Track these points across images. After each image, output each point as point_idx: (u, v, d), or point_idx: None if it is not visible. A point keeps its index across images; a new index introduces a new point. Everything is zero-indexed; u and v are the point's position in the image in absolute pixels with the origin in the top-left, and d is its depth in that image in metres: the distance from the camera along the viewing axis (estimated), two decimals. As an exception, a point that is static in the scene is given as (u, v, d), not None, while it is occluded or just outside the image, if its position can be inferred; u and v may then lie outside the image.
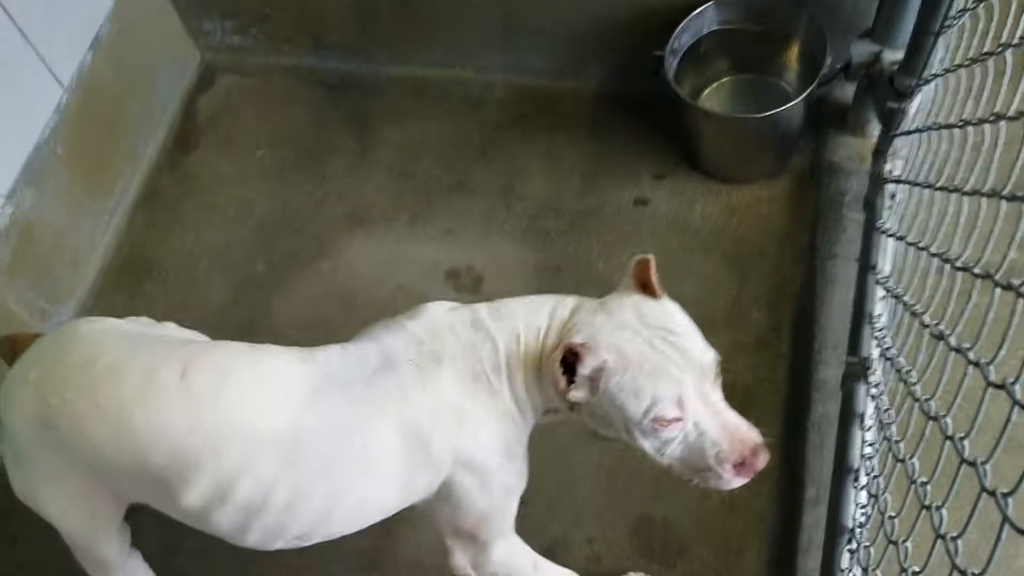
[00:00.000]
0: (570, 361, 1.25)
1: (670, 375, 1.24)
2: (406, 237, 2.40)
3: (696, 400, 1.25)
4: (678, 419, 1.24)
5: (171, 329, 1.47)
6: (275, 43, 2.69)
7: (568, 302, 1.38)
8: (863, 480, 1.66)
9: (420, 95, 2.64)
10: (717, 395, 1.29)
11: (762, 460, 1.27)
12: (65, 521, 1.44)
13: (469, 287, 2.29)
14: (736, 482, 1.29)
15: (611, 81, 2.53)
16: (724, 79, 2.40)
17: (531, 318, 1.36)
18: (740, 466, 1.26)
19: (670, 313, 1.31)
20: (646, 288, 1.33)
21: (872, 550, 1.51)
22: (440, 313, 1.41)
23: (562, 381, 1.25)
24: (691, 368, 1.25)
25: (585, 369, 1.25)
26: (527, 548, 1.59)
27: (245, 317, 2.27)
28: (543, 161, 2.49)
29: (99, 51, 2.34)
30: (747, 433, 1.28)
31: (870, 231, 1.98)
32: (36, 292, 2.20)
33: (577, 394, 1.27)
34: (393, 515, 1.42)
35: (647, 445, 1.30)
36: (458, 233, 2.39)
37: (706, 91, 2.40)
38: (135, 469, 1.24)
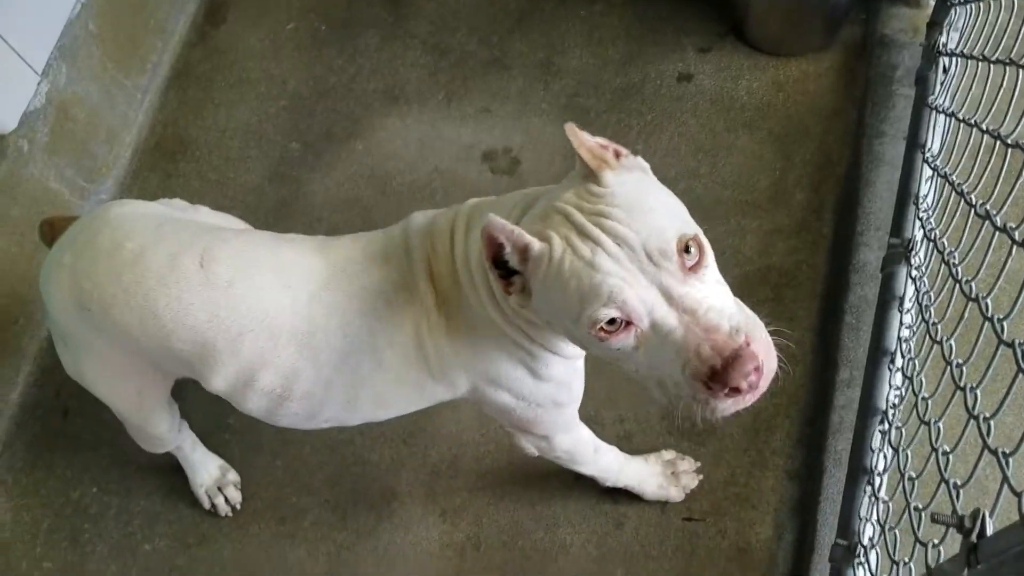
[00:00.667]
0: (498, 255, 1.05)
1: (597, 267, 0.98)
2: (441, 116, 2.35)
3: (649, 296, 0.98)
4: (624, 323, 0.99)
5: (204, 213, 1.47)
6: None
7: (526, 195, 1.18)
8: (899, 362, 1.64)
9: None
10: (690, 287, 0.99)
11: (742, 368, 0.95)
12: (114, 398, 1.49)
13: (506, 169, 2.25)
14: (721, 406, 1.00)
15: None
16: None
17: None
18: (716, 381, 0.96)
19: (611, 192, 1.03)
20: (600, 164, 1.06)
21: (904, 431, 1.50)
22: (449, 214, 1.27)
23: (496, 280, 1.08)
24: (635, 255, 0.98)
25: (509, 256, 1.04)
26: (588, 435, 1.60)
27: (280, 196, 2.27)
28: (582, 33, 2.40)
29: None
30: (725, 336, 0.97)
31: (920, 107, 1.90)
32: (75, 170, 2.21)
33: (515, 297, 1.09)
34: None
35: (611, 359, 1.07)
36: (494, 112, 2.34)
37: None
38: (164, 352, 1.26)
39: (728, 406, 1.00)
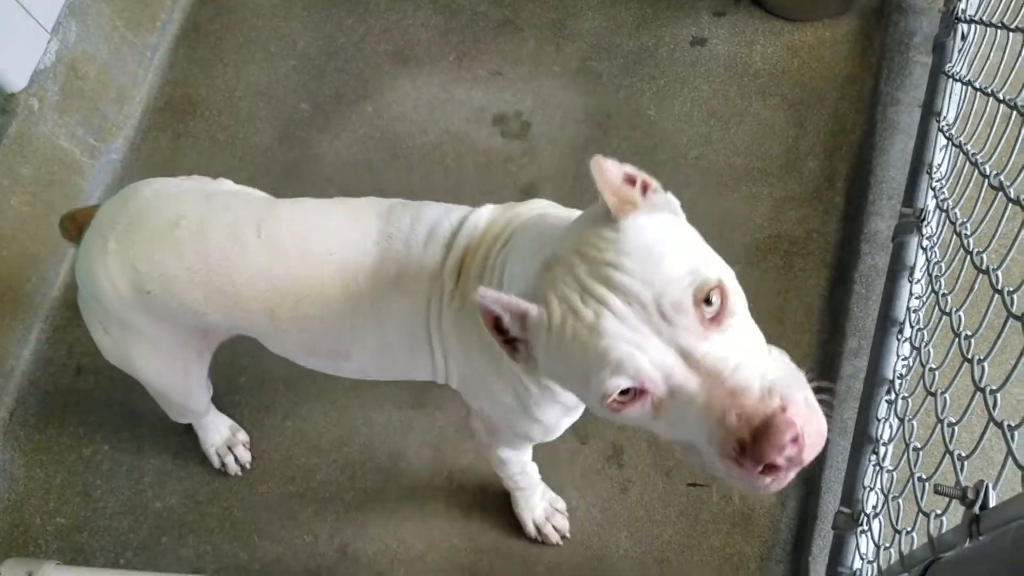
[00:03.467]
0: (494, 321, 0.95)
1: (602, 332, 0.86)
2: (452, 78, 2.33)
3: (665, 359, 0.85)
4: (638, 391, 0.86)
5: (228, 185, 1.45)
6: None
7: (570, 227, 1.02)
8: (907, 332, 1.64)
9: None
10: (712, 343, 0.85)
11: (777, 440, 0.80)
12: (159, 379, 1.50)
13: (517, 133, 2.24)
14: (758, 484, 0.84)
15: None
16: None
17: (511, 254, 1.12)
18: (747, 457, 0.81)
19: (624, 238, 0.90)
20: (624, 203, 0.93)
21: (910, 402, 1.51)
22: (504, 219, 1.20)
23: (498, 342, 0.96)
24: (646, 313, 0.85)
25: (509, 325, 0.94)
26: (527, 458, 1.59)
27: (289, 158, 2.27)
28: (598, 3, 2.37)
29: None
30: (756, 400, 0.82)
31: (937, 75, 1.88)
32: (85, 129, 2.21)
33: (520, 365, 0.98)
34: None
35: (633, 425, 0.94)
36: (505, 74, 2.32)
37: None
38: (228, 322, 1.28)
39: (766, 484, 0.84)
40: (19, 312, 2.06)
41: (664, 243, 0.90)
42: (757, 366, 0.85)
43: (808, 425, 0.82)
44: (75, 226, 1.37)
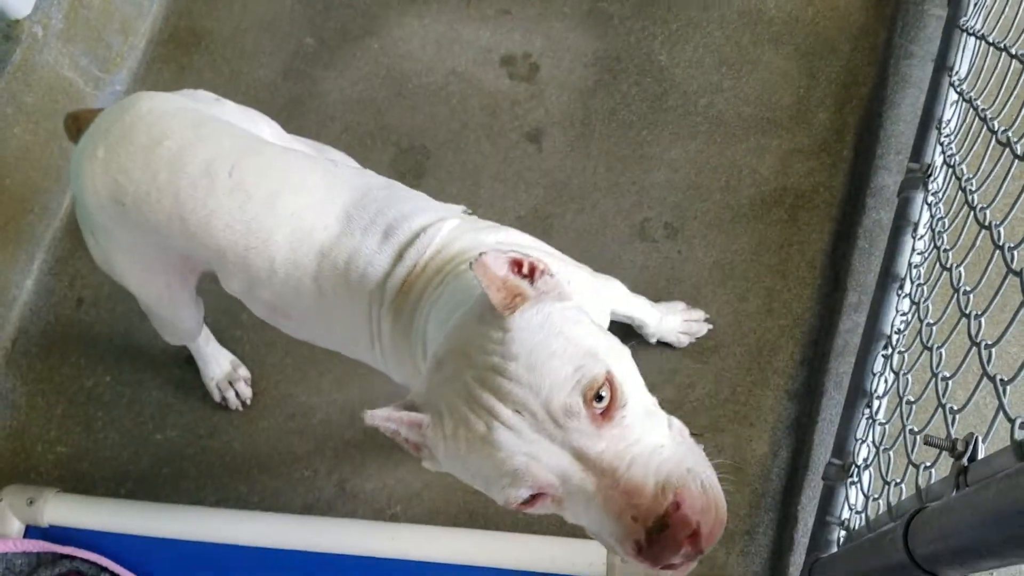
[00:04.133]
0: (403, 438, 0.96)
1: (496, 445, 0.86)
2: (460, 17, 2.30)
3: (560, 463, 0.85)
4: (536, 494, 0.87)
5: (229, 108, 1.44)
6: None
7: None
8: (907, 288, 1.64)
9: None
10: (607, 440, 0.86)
11: (672, 540, 0.81)
12: (143, 291, 1.51)
13: (525, 75, 2.21)
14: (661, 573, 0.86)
15: None
16: None
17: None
18: (645, 555, 0.83)
19: (511, 338, 0.89)
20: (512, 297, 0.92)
21: (906, 356, 1.51)
22: (456, 235, 1.19)
23: (404, 444, 0.97)
24: (537, 422, 0.85)
25: (407, 434, 0.95)
26: None
27: (293, 94, 2.25)
28: (609, -61, 2.33)
29: None
30: (650, 499, 0.82)
31: (951, 29, 1.85)
32: (89, 59, 2.19)
33: (427, 463, 0.97)
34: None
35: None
36: (514, 14, 2.29)
37: None
38: (189, 250, 1.28)
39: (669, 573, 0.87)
40: (22, 242, 2.07)
41: (549, 342, 0.89)
42: (653, 457, 0.85)
43: (705, 515, 0.83)
44: (76, 127, 1.38)
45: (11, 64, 1.96)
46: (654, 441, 0.88)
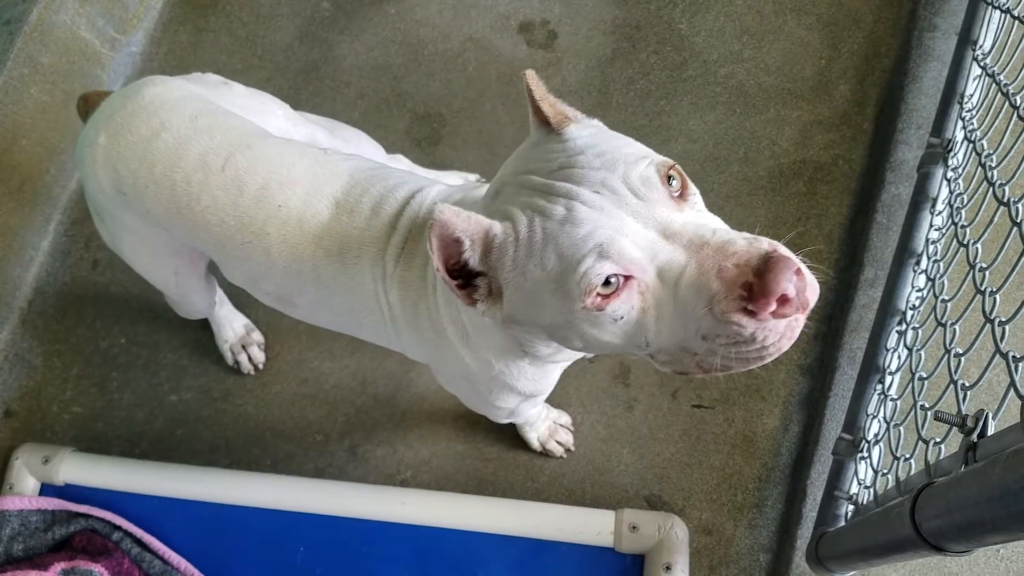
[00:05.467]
0: (450, 257, 0.90)
1: (577, 221, 0.82)
2: (478, -17, 2.27)
3: (646, 238, 0.82)
4: (624, 276, 0.82)
5: (238, 91, 1.42)
6: None
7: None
8: (924, 264, 1.63)
9: None
10: (684, 215, 0.85)
11: (782, 270, 0.76)
12: (151, 274, 1.52)
13: (542, 43, 2.19)
14: (773, 336, 0.79)
15: None
16: None
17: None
18: (756, 299, 0.76)
19: (571, 144, 0.89)
20: (547, 122, 0.93)
21: (920, 332, 1.50)
22: (446, 194, 1.17)
23: (451, 287, 0.92)
24: (618, 197, 0.83)
25: (468, 254, 0.89)
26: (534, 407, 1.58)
27: (309, 58, 2.24)
28: (630, -96, 2.29)
29: None
30: (746, 247, 0.79)
31: (976, 2, 1.81)
32: (106, 20, 2.19)
33: (482, 305, 0.93)
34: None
35: (611, 345, 0.89)
36: (533, -18, 2.26)
37: None
38: (192, 241, 1.28)
39: (780, 331, 0.79)
40: (38, 202, 2.08)
41: (610, 137, 0.90)
42: (732, 230, 0.83)
43: (800, 268, 0.79)
44: (86, 108, 1.37)
45: (27, 24, 1.96)
46: (726, 226, 0.86)
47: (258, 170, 1.19)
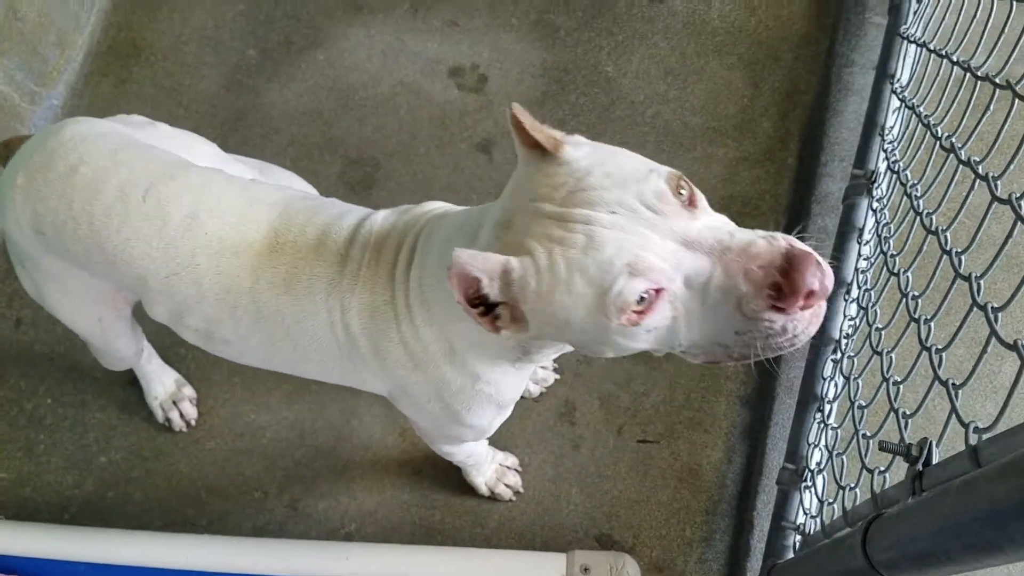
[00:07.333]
0: (469, 289, 0.90)
1: (600, 245, 0.84)
2: (407, 28, 2.28)
3: (669, 250, 0.84)
4: (655, 290, 0.84)
5: (164, 131, 1.38)
6: None
7: (482, 211, 1.04)
8: (854, 293, 1.67)
9: None
10: (700, 221, 0.87)
11: (806, 266, 0.81)
12: (75, 322, 1.46)
13: (473, 87, 2.20)
14: (802, 325, 0.84)
15: None
16: None
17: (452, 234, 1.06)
18: (785, 297, 0.81)
19: (573, 167, 0.90)
20: (537, 147, 0.95)
21: (856, 361, 1.53)
22: (404, 223, 1.16)
23: (474, 316, 0.92)
24: (635, 214, 0.85)
25: (489, 288, 0.90)
26: (469, 448, 1.57)
27: (236, 107, 2.21)
28: (553, -51, 2.33)
29: None
30: (766, 247, 0.83)
31: (892, 37, 1.89)
32: (25, 73, 2.12)
33: (507, 331, 0.94)
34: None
35: (652, 347, 0.92)
36: (462, 25, 2.28)
37: None
38: (113, 280, 1.24)
39: (807, 320, 0.84)
40: (-46, 262, 1.99)
41: (612, 153, 0.93)
42: (745, 230, 0.87)
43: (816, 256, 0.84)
44: (6, 153, 1.33)
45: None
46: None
47: (183, 199, 1.16)
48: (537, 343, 1.06)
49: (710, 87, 2.16)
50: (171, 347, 1.92)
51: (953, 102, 1.38)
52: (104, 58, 2.29)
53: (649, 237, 0.84)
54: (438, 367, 1.14)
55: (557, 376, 1.86)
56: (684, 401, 1.85)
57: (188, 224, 1.14)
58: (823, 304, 0.86)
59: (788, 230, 1.94)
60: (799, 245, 0.84)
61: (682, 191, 0.88)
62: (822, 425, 1.59)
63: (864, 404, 1.38)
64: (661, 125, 2.13)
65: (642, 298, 0.84)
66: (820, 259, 0.84)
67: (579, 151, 0.93)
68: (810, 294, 0.81)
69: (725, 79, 2.16)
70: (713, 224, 0.88)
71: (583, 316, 0.88)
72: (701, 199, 0.90)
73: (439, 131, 2.15)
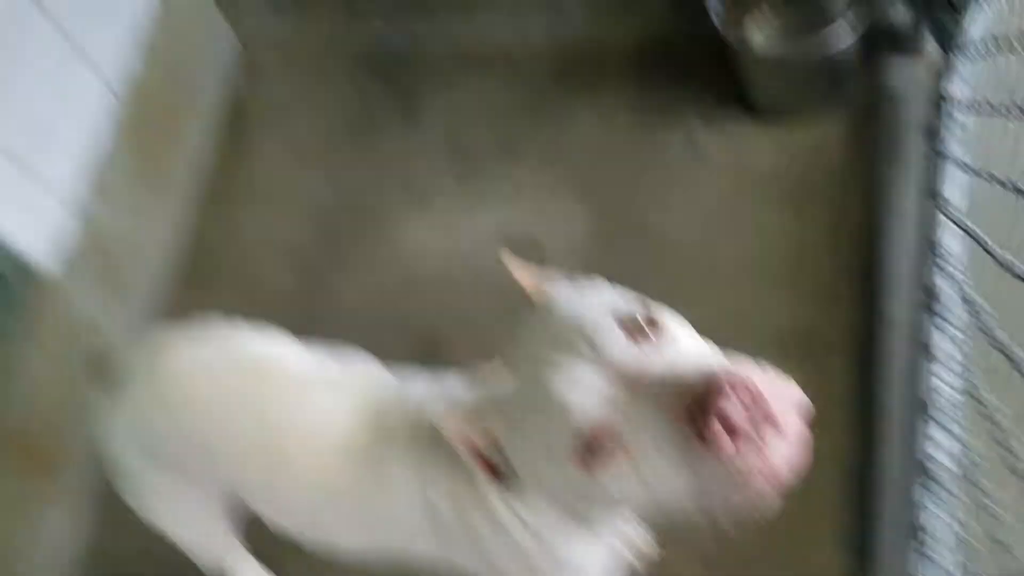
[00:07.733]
0: (477, 451, 0.97)
1: (547, 394, 0.84)
2: (460, 207, 2.40)
3: (592, 380, 0.82)
4: (597, 436, 0.81)
5: (246, 332, 1.47)
6: (313, 20, 2.68)
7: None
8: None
9: (461, 61, 2.60)
10: (643, 351, 0.83)
11: (719, 386, 0.72)
12: (179, 532, 1.53)
13: (529, 256, 2.27)
14: (737, 468, 0.73)
15: (653, 27, 2.45)
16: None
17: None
18: (699, 422, 0.72)
19: (550, 307, 0.95)
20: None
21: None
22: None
23: (478, 466, 0.98)
24: (579, 359, 0.84)
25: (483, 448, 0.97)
26: None
27: (310, 301, 2.34)
28: (591, 119, 2.44)
29: (143, 51, 2.36)
30: (692, 371, 0.78)
31: (935, 160, 1.90)
32: (108, 293, 2.27)
33: (506, 482, 0.99)
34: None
35: (641, 502, 0.85)
36: (514, 202, 2.38)
37: (747, 18, 2.30)
38: (219, 485, 1.34)
39: (749, 465, 0.72)
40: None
41: (580, 295, 0.95)
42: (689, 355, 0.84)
43: (772, 387, 0.75)
44: (99, 371, 1.40)
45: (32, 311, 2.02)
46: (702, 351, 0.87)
47: (280, 401, 1.23)
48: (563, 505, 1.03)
49: (757, 233, 2.18)
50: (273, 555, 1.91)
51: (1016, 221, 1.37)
52: (183, 270, 2.46)
53: (579, 369, 0.83)
54: (516, 536, 1.12)
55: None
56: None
57: (285, 425, 1.21)
58: (787, 443, 0.75)
59: (855, 362, 1.92)
60: (730, 370, 0.74)
61: (644, 333, 0.84)
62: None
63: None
64: (708, 268, 2.15)
65: (591, 445, 0.81)
66: (767, 382, 0.75)
67: (560, 294, 0.97)
68: (733, 431, 0.71)
69: (772, 221, 2.19)
70: (654, 354, 0.83)
71: (547, 463, 0.88)
72: (667, 330, 0.86)
73: (501, 300, 2.20)
